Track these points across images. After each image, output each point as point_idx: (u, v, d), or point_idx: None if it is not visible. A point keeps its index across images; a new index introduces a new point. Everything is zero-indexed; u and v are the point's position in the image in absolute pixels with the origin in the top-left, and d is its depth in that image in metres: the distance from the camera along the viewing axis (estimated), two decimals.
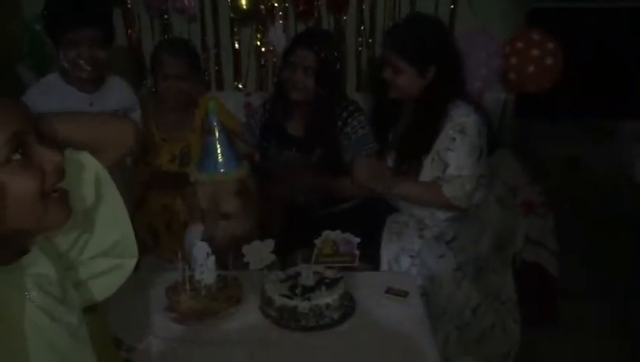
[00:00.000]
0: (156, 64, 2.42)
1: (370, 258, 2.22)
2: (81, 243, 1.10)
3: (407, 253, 2.20)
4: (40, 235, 0.96)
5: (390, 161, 2.32)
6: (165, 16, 2.91)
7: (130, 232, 1.17)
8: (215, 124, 1.82)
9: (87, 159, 1.09)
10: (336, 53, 2.26)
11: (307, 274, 1.73)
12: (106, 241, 1.14)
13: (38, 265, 0.94)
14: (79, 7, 2.08)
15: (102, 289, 1.15)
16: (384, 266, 2.23)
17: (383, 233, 2.29)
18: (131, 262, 1.18)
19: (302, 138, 2.35)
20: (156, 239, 2.34)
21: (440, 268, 2.11)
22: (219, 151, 1.83)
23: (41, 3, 2.72)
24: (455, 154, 2.15)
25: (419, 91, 2.20)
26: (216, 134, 1.82)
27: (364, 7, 2.94)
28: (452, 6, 2.90)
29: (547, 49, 2.81)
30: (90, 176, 1.09)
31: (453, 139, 2.16)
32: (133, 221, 2.22)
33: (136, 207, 2.40)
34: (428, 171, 2.21)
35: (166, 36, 2.91)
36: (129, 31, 2.93)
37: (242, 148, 2.45)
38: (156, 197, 2.42)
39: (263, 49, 2.97)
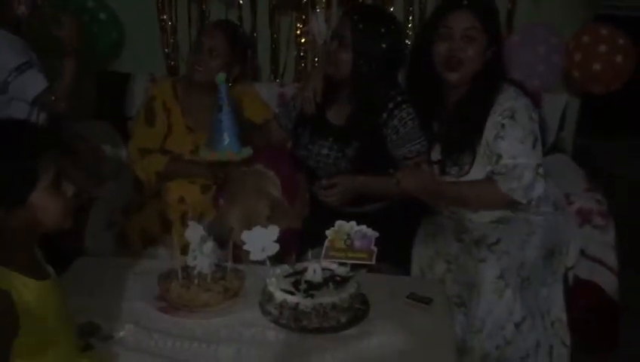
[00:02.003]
0: (197, 39, 2.33)
1: (400, 263, 2.00)
2: None
3: (442, 257, 1.96)
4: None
5: (436, 155, 2.08)
6: (203, 5, 2.80)
7: None
8: (225, 99, 1.67)
9: None
10: (383, 30, 2.03)
11: (314, 269, 1.52)
12: None
13: None
14: None
15: None
16: (415, 272, 1.99)
17: (416, 236, 2.05)
18: None
19: (341, 127, 2.14)
20: (168, 231, 2.18)
21: (480, 274, 1.84)
22: (227, 126, 1.67)
23: None
24: (507, 141, 1.90)
25: (475, 73, 1.97)
26: (224, 109, 1.65)
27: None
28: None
29: (617, 45, 2.50)
30: None
31: (503, 125, 1.92)
32: (140, 211, 2.08)
33: (148, 197, 2.27)
34: (480, 165, 1.97)
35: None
36: (164, 16, 2.82)
37: (276, 132, 2.31)
38: (173, 188, 2.27)
39: (302, 39, 2.80)
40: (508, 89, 1.97)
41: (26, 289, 1.10)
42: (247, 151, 2.09)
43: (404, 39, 2.16)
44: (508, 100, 1.94)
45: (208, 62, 2.26)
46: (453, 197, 2.01)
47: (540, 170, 1.91)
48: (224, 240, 1.81)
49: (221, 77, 1.68)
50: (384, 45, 2.02)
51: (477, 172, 1.97)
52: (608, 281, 2.10)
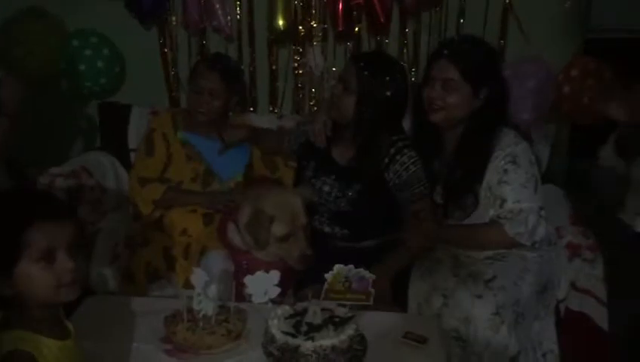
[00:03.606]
0: (193, 76, 2.40)
1: (398, 299, 2.06)
2: None
3: (439, 291, 2.01)
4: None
5: (438, 197, 2.15)
6: (203, 40, 2.87)
7: None
8: None
9: None
10: (388, 78, 2.09)
11: (314, 310, 1.58)
12: None
13: None
14: None
15: None
16: (412, 308, 2.05)
17: (412, 270, 2.11)
18: None
19: (344, 166, 2.21)
20: (172, 266, 2.23)
21: (476, 309, 1.91)
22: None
23: (81, 21, 2.78)
24: (511, 186, 1.98)
25: (466, 116, 2.04)
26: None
27: (407, 30, 2.81)
28: (501, 30, 2.73)
29: (604, 78, 2.58)
30: None
31: (505, 170, 1.99)
32: (145, 246, 2.12)
33: (150, 230, 2.32)
34: (483, 208, 2.04)
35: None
36: (165, 49, 2.89)
37: (287, 145, 2.40)
38: (175, 219, 2.32)
39: (300, 71, 2.87)
40: (508, 133, 2.03)
41: (48, 350, 1.14)
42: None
43: (409, 86, 2.19)
44: (509, 145, 2.01)
45: (210, 103, 2.35)
46: (459, 242, 2.08)
47: (542, 213, 2.00)
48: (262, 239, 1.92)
49: None
50: (388, 93, 2.08)
51: (480, 215, 2.04)
52: (597, 312, 2.16)
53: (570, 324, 2.14)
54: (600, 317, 2.17)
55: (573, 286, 2.14)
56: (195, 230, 2.30)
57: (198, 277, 1.57)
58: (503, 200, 1.99)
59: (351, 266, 1.64)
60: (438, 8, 2.75)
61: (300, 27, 2.78)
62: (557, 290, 2.11)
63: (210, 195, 2.36)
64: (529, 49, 2.67)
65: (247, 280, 1.58)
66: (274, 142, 2.44)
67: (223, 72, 2.38)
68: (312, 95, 2.89)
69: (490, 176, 2.02)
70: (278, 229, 1.94)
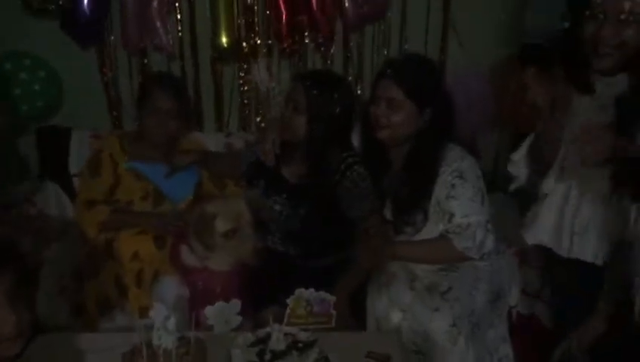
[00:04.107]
0: (145, 97, 2.34)
1: (356, 316, 2.07)
2: None
3: (397, 306, 2.04)
4: None
5: (388, 213, 2.17)
6: (144, 59, 2.81)
7: None
8: None
9: None
10: (335, 95, 2.11)
11: (277, 337, 1.57)
12: None
13: None
14: None
15: None
16: (371, 324, 2.06)
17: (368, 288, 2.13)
18: None
19: (295, 184, 2.20)
20: (124, 294, 2.17)
21: (435, 323, 1.95)
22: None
23: (13, 42, 2.67)
24: (458, 201, 2.02)
25: (412, 133, 2.07)
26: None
27: (351, 44, 2.83)
28: (442, 43, 2.79)
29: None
30: None
31: (453, 185, 2.03)
32: (95, 277, 2.06)
33: (100, 258, 2.24)
34: (432, 223, 2.07)
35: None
36: (104, 69, 2.81)
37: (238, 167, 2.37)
38: (125, 241, 2.24)
39: (245, 87, 2.85)
40: (454, 148, 2.08)
41: None
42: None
43: (355, 102, 2.22)
44: (455, 160, 2.05)
45: (167, 124, 2.32)
46: (410, 258, 2.11)
47: (489, 226, 2.04)
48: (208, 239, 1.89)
49: None
50: (338, 109, 2.10)
51: (430, 229, 2.08)
52: (545, 313, 2.24)
53: (521, 328, 2.21)
54: (547, 318, 2.24)
55: (523, 291, 2.21)
56: (147, 253, 2.22)
57: (157, 311, 1.52)
58: (452, 215, 2.03)
59: (311, 290, 1.64)
60: (380, 23, 2.79)
61: (244, 44, 2.76)
62: (509, 297, 2.16)
63: (158, 216, 2.30)
64: (469, 61, 2.73)
65: (208, 311, 1.56)
66: (226, 167, 2.41)
67: (176, 91, 2.36)
68: (259, 111, 2.87)
69: (438, 191, 2.06)
70: (221, 225, 1.90)
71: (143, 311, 1.64)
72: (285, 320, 1.62)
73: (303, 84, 2.11)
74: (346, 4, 2.65)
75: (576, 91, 1.75)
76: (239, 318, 1.57)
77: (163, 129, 2.32)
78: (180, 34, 2.78)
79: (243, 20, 2.73)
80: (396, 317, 2.01)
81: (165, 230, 2.25)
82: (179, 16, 2.76)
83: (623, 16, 1.52)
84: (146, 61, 2.81)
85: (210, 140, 2.68)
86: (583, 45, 1.65)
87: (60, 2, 2.58)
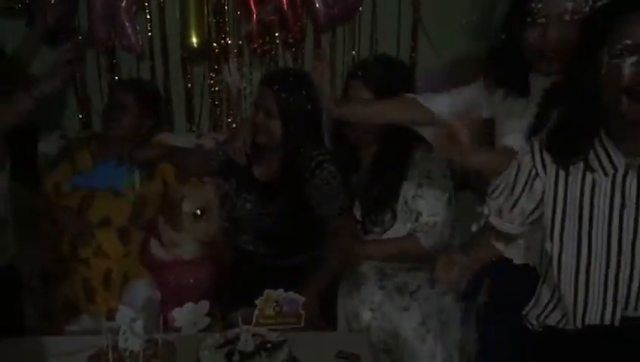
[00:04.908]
0: (109, 97, 2.47)
1: (327, 316, 2.08)
2: None
3: (367, 306, 2.05)
4: None
5: (358, 213, 2.17)
6: (114, 59, 2.78)
7: None
8: None
9: None
10: (304, 93, 2.12)
11: (246, 338, 1.57)
12: None
13: None
14: None
15: None
16: (341, 324, 2.08)
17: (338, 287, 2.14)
18: None
19: (266, 183, 2.20)
20: (92, 297, 2.14)
21: (404, 322, 1.97)
22: None
23: None
24: (425, 200, 2.06)
25: (381, 133, 2.08)
26: None
27: (322, 45, 2.83)
28: (412, 44, 2.80)
29: None
30: None
31: (420, 185, 2.07)
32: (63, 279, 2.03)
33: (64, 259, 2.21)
34: (400, 222, 2.09)
35: (115, 77, 2.78)
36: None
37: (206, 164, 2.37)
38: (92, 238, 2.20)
39: (216, 88, 2.83)
40: (422, 148, 2.09)
41: None
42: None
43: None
44: (423, 160, 2.07)
45: (120, 119, 2.34)
46: (379, 257, 2.12)
47: (456, 224, 2.08)
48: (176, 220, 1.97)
49: None
50: (309, 105, 2.12)
51: (398, 229, 2.10)
52: None
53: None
54: None
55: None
56: (112, 250, 2.19)
57: (123, 314, 1.51)
58: (419, 214, 2.05)
59: (280, 290, 1.65)
60: (350, 23, 2.79)
61: (215, 44, 2.74)
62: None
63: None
64: (439, 62, 2.75)
65: (176, 312, 1.55)
66: (195, 163, 2.39)
67: (136, 91, 2.40)
68: (230, 112, 2.86)
69: (406, 191, 2.08)
70: (188, 206, 1.98)
71: (111, 314, 1.62)
72: (254, 321, 1.62)
73: (270, 88, 2.11)
74: (317, 5, 2.64)
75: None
76: (207, 319, 1.56)
77: (117, 123, 2.35)
78: (149, 34, 2.75)
79: (213, 20, 2.71)
80: (366, 316, 2.04)
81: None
82: (148, 16, 2.72)
83: (566, 17, 1.53)
84: (115, 61, 2.78)
85: (181, 141, 2.65)
86: (523, 51, 1.62)
87: (27, 1, 2.55)
